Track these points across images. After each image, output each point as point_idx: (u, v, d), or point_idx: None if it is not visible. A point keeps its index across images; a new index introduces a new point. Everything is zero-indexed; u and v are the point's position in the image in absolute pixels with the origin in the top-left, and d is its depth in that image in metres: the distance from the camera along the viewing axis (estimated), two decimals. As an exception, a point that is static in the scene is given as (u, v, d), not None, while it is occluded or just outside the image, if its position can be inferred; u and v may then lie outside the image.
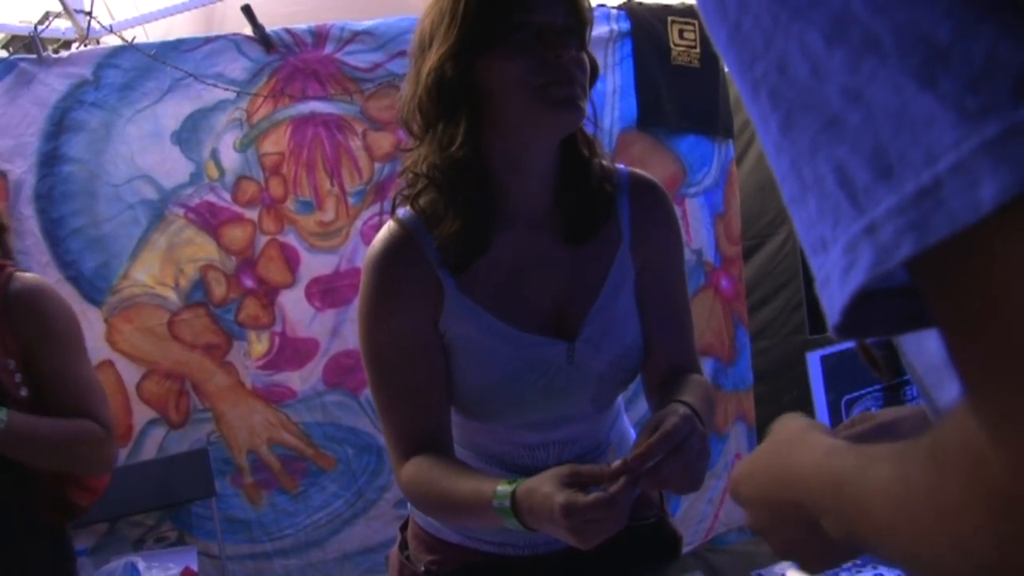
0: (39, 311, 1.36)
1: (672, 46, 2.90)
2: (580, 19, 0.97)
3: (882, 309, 0.29)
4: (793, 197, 0.30)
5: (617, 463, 0.83)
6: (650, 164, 2.75)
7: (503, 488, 0.88)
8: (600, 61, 2.81)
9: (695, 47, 2.93)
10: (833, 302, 0.28)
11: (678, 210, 2.90)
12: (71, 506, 1.43)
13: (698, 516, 2.96)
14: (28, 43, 2.33)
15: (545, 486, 0.84)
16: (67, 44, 2.45)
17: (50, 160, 2.32)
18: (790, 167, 0.29)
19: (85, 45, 2.47)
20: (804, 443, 0.51)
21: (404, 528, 1.21)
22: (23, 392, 1.33)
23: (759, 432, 3.04)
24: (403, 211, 1.04)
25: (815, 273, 0.29)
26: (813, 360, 2.23)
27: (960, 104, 0.22)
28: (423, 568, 1.13)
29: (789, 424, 0.57)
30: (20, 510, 1.35)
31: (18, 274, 1.37)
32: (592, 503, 0.80)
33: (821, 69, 0.26)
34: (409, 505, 1.17)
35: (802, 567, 0.60)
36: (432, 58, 0.96)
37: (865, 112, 0.25)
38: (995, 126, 0.22)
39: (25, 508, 1.36)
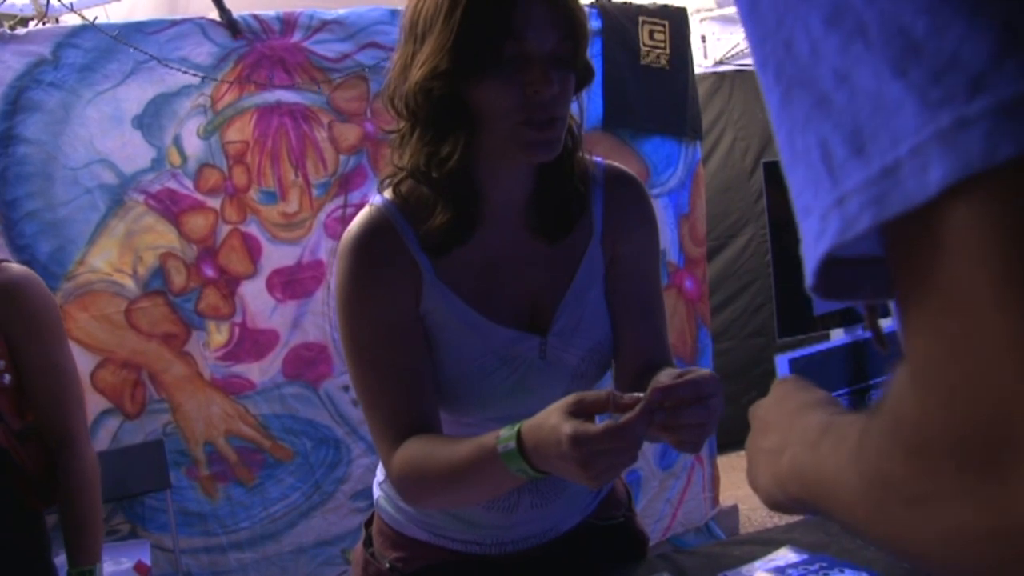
0: (24, 303, 1.39)
1: (642, 46, 2.91)
2: (575, 40, 0.95)
3: (866, 274, 0.33)
4: (787, 166, 0.33)
5: (631, 395, 0.81)
6: (617, 164, 2.76)
7: (507, 431, 0.86)
8: (570, 59, 2.83)
9: (665, 48, 2.95)
10: (808, 264, 0.31)
11: (644, 210, 2.92)
12: (54, 493, 1.46)
13: (656, 515, 2.98)
14: (-17, 19, 2.26)
15: (552, 418, 0.82)
16: (24, 21, 2.38)
17: (4, 140, 2.26)
18: (786, 138, 0.32)
19: (44, 23, 2.41)
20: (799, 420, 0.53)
21: (368, 524, 1.19)
22: (6, 379, 1.36)
23: (718, 432, 3.07)
24: (380, 197, 1.03)
25: (801, 236, 0.32)
26: (782, 363, 2.27)
27: (924, 94, 0.25)
28: (388, 565, 1.11)
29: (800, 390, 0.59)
30: (7, 497, 1.38)
31: (5, 265, 1.42)
32: (602, 432, 0.78)
33: (818, 49, 0.28)
34: (375, 500, 1.16)
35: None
36: (419, 74, 0.94)
37: (849, 93, 0.27)
38: (948, 117, 0.24)
39: (12, 495, 1.39)
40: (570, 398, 0.83)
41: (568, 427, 0.79)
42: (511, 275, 1.03)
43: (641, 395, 0.81)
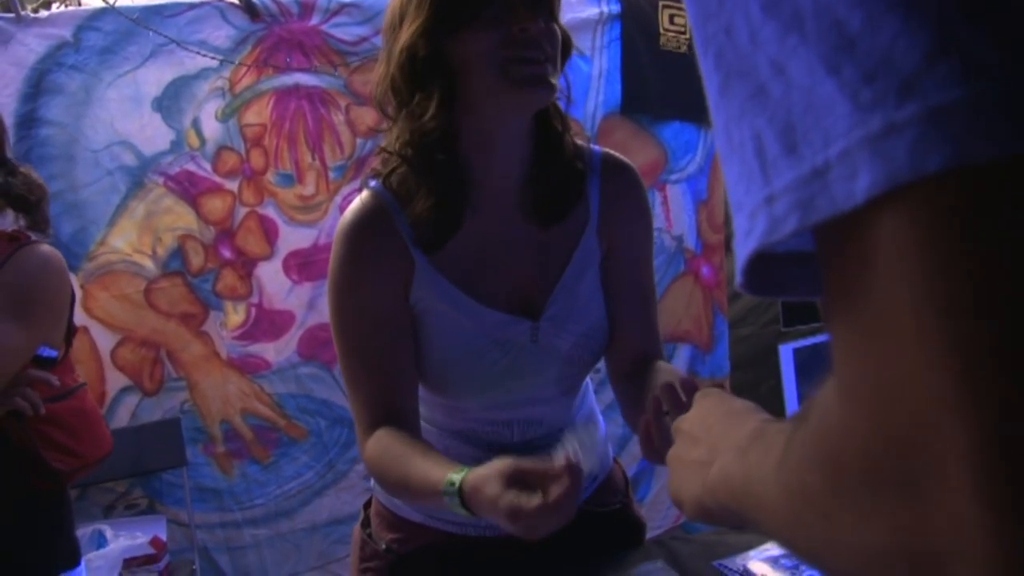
0: (14, 263, 1.40)
1: (662, 31, 2.89)
2: None
3: (802, 271, 0.31)
4: (723, 158, 0.31)
5: (561, 461, 0.82)
6: (632, 150, 2.75)
7: (454, 476, 0.88)
8: (588, 44, 2.81)
9: (685, 32, 2.92)
10: (737, 262, 0.30)
11: (659, 196, 2.90)
12: (52, 471, 1.46)
13: (669, 502, 2.98)
14: (6, 1, 2.29)
15: (490, 487, 0.83)
16: (47, 4, 2.41)
17: (27, 122, 2.29)
18: (723, 128, 0.30)
19: (65, 6, 2.44)
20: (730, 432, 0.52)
21: (367, 506, 1.22)
22: None
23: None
24: (376, 184, 1.04)
25: (734, 231, 0.30)
26: (786, 352, 2.26)
27: (856, 95, 0.23)
28: (384, 546, 1.13)
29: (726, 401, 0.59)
30: (6, 478, 1.40)
31: (34, 244, 1.43)
32: (536, 509, 0.79)
33: (757, 37, 0.26)
34: (372, 482, 1.18)
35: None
36: (404, 36, 0.95)
37: (785, 86, 0.26)
38: (878, 121, 0.22)
39: (13, 476, 1.41)
40: (509, 466, 0.83)
41: (504, 503, 0.80)
42: (504, 259, 1.04)
43: (572, 462, 0.81)
